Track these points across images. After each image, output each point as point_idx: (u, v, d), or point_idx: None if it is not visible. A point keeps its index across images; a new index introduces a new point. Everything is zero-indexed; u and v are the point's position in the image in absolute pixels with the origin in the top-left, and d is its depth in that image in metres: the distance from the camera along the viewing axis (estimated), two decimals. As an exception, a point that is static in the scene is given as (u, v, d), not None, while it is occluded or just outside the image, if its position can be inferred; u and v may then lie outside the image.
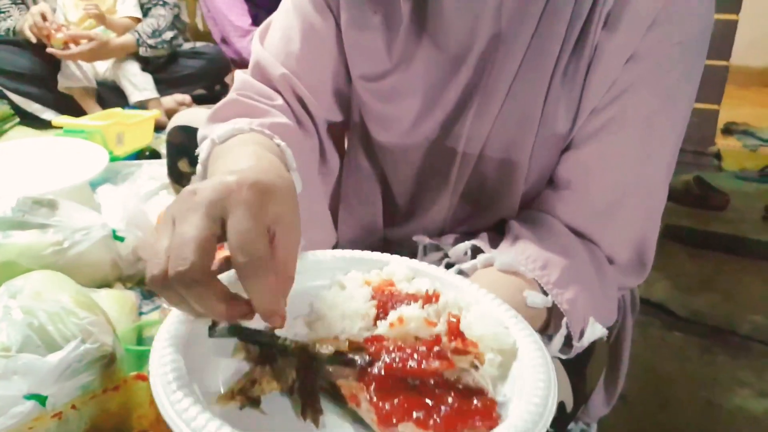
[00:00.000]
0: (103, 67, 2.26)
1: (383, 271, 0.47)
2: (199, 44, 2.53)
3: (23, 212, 0.96)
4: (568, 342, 0.53)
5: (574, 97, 0.56)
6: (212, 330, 0.38)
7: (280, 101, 0.58)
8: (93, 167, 1.25)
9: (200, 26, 3.15)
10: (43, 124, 2.10)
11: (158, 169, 1.41)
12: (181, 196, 0.36)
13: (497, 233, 0.61)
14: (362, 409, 0.35)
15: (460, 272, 0.57)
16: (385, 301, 0.43)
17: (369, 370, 0.36)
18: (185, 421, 0.31)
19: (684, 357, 1.14)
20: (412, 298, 0.43)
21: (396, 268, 0.47)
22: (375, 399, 0.34)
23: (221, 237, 0.35)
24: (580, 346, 0.53)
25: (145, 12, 2.31)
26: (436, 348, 0.37)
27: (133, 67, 2.22)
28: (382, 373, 0.35)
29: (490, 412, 0.34)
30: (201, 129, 0.55)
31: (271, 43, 0.62)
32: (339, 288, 0.45)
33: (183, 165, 0.81)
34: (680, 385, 1.05)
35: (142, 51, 2.21)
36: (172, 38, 2.29)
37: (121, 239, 1.06)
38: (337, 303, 0.42)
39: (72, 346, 0.59)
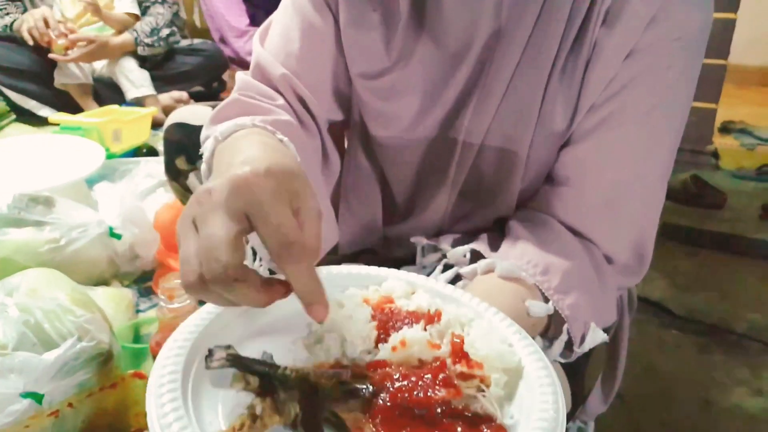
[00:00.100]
0: (99, 64, 2.25)
1: (381, 287, 0.46)
2: (196, 41, 2.52)
3: (19, 209, 0.96)
4: (568, 346, 0.53)
5: (572, 95, 0.56)
6: (209, 361, 0.37)
7: (281, 101, 0.58)
8: (89, 164, 1.25)
9: (198, 23, 3.15)
10: (40, 121, 2.09)
11: (155, 166, 1.40)
12: (197, 198, 0.35)
13: (496, 232, 0.61)
14: None
15: (459, 276, 0.57)
16: (386, 321, 0.42)
17: (374, 400, 0.35)
18: None
19: (681, 355, 1.14)
20: (413, 316, 0.42)
21: (394, 284, 0.46)
22: (381, 431, 0.33)
23: (248, 229, 0.35)
24: (580, 351, 0.53)
25: (144, 10, 2.30)
26: (441, 375, 0.36)
27: (130, 64, 2.22)
28: (388, 403, 0.35)
29: None
30: (204, 130, 0.55)
31: (271, 44, 0.62)
32: (337, 307, 0.44)
33: (180, 162, 0.80)
34: (677, 383, 1.06)
35: (140, 50, 2.21)
36: (169, 35, 2.29)
37: (118, 237, 1.05)
38: (336, 324, 0.41)
39: (68, 343, 0.59)
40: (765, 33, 3.00)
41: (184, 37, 2.50)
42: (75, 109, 2.09)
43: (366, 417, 0.34)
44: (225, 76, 2.60)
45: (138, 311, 1.01)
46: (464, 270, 0.56)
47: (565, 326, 0.51)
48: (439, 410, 0.34)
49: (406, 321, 0.41)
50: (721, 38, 2.01)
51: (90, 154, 1.31)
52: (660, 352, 1.15)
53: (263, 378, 0.37)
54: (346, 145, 0.71)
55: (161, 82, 2.28)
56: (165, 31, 2.27)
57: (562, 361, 0.54)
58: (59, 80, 2.15)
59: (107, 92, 2.24)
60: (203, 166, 0.51)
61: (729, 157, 2.16)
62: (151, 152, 1.76)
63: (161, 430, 0.32)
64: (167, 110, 2.10)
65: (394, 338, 0.39)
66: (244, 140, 0.45)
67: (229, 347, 0.38)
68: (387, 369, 0.37)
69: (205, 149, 0.51)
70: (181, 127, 0.76)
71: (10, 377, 0.56)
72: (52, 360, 0.58)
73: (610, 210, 0.57)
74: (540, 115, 0.57)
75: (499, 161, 0.60)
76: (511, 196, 0.61)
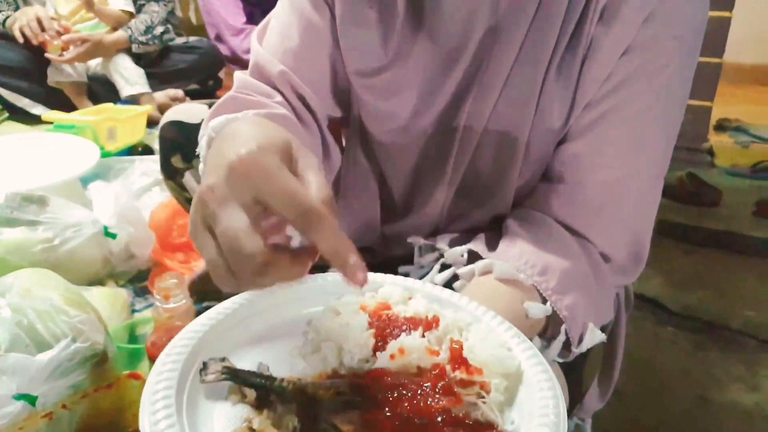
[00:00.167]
0: (94, 62, 2.24)
1: (378, 293, 0.46)
2: (192, 39, 2.50)
3: (12, 209, 0.95)
4: (566, 346, 0.53)
5: (569, 91, 0.56)
6: (203, 375, 0.37)
7: (279, 98, 0.58)
8: (83, 163, 1.24)
9: (194, 20, 3.13)
10: (33, 120, 2.08)
11: (151, 165, 1.40)
12: (201, 198, 0.35)
13: (493, 231, 0.61)
14: None
15: (456, 276, 0.57)
16: (383, 328, 0.41)
17: (373, 410, 0.34)
18: None
19: (677, 352, 1.14)
20: (411, 322, 0.42)
21: (391, 290, 0.46)
22: None
23: (261, 211, 0.34)
24: (578, 351, 0.53)
25: (139, 8, 2.29)
26: (440, 383, 0.36)
27: (124, 61, 2.20)
28: (387, 413, 0.34)
29: None
30: (201, 130, 0.55)
31: (269, 41, 0.62)
32: (333, 315, 0.43)
33: (176, 161, 0.80)
34: (673, 380, 1.06)
35: (134, 48, 2.20)
36: (164, 33, 2.27)
37: (113, 236, 1.05)
38: (332, 333, 0.40)
39: (62, 344, 0.59)
40: (760, 31, 3.01)
41: (179, 34, 2.49)
42: (69, 107, 2.08)
43: (365, 428, 0.34)
44: (221, 74, 2.59)
45: (134, 311, 1.01)
46: (462, 270, 0.56)
47: (563, 327, 0.51)
48: (439, 419, 0.34)
49: (404, 328, 0.41)
50: (716, 36, 2.01)
51: (84, 153, 1.30)
52: (656, 349, 1.15)
53: (260, 390, 0.36)
54: (344, 143, 0.71)
55: (156, 80, 2.27)
56: (159, 29, 2.25)
57: (560, 360, 0.54)
58: (53, 78, 2.14)
59: (102, 90, 2.22)
60: (201, 165, 0.51)
61: (724, 155, 2.17)
62: (147, 151, 1.75)
63: None
64: (163, 108, 2.09)
65: (392, 346, 0.38)
66: (234, 129, 0.44)
67: (223, 359, 0.37)
68: (386, 378, 0.36)
69: (201, 147, 0.50)
70: (176, 125, 0.75)
71: (2, 379, 0.55)
72: (45, 361, 0.57)
73: (606, 207, 0.57)
74: (537, 112, 0.56)
75: (496, 158, 0.60)
76: (507, 194, 0.61)
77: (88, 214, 1.02)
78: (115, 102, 2.07)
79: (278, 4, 0.63)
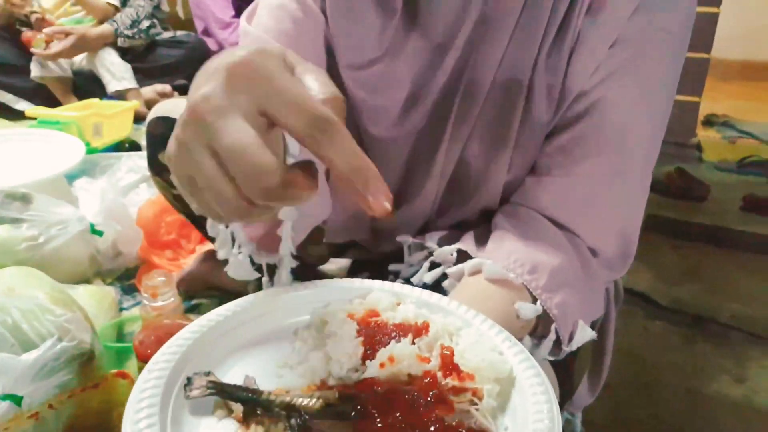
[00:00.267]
0: (79, 57, 2.21)
1: (366, 299, 0.45)
2: (179, 33, 2.48)
3: (-4, 206, 0.93)
4: (556, 344, 0.53)
5: (557, 84, 0.55)
6: (188, 390, 0.35)
7: None
8: (69, 159, 1.22)
9: (181, 15, 3.10)
10: (17, 115, 2.04)
11: (138, 161, 1.38)
12: (194, 111, 0.29)
13: (481, 229, 0.60)
14: None
15: (445, 275, 0.57)
16: (372, 336, 0.40)
17: (364, 421, 0.33)
18: None
19: (666, 345, 1.15)
20: (400, 328, 0.41)
21: (380, 296, 0.45)
22: None
23: (268, 124, 0.30)
24: (568, 349, 0.53)
25: (124, 2, 2.26)
26: (432, 392, 0.35)
27: (111, 56, 2.17)
28: (379, 424, 0.33)
29: None
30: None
31: (262, 22, 0.59)
32: (321, 324, 0.42)
33: (163, 157, 0.78)
34: (663, 373, 1.07)
35: (120, 41, 2.17)
36: (149, 27, 2.25)
37: (100, 233, 1.03)
38: (320, 343, 0.40)
39: (48, 344, 0.58)
40: (747, 27, 3.04)
41: (166, 29, 2.46)
42: (54, 102, 2.05)
43: None
44: (208, 69, 2.56)
45: (121, 309, 0.99)
46: (451, 270, 0.55)
47: (554, 326, 0.51)
48: (432, 429, 0.33)
49: (393, 335, 0.40)
50: (704, 32, 2.03)
51: (69, 149, 1.28)
52: (646, 342, 1.16)
53: (247, 405, 0.35)
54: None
55: (143, 75, 2.25)
56: (146, 23, 2.23)
57: (551, 359, 0.54)
58: (36, 72, 2.11)
59: (87, 85, 2.19)
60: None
61: (712, 150, 2.19)
62: (134, 147, 1.73)
63: None
64: (150, 104, 2.07)
65: (382, 354, 0.37)
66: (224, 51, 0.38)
67: (208, 373, 0.36)
68: (377, 388, 0.35)
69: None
70: (164, 120, 0.74)
71: (-13, 379, 0.54)
72: (31, 361, 0.56)
73: (593, 200, 0.57)
74: (525, 105, 0.56)
75: (486, 151, 0.60)
76: (496, 187, 0.61)
77: (74, 211, 1.00)
78: (101, 97, 2.04)
79: None
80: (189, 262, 1.09)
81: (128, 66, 2.19)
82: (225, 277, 1.05)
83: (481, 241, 0.57)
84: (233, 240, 0.52)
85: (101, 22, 2.17)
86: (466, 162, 0.61)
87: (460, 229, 0.63)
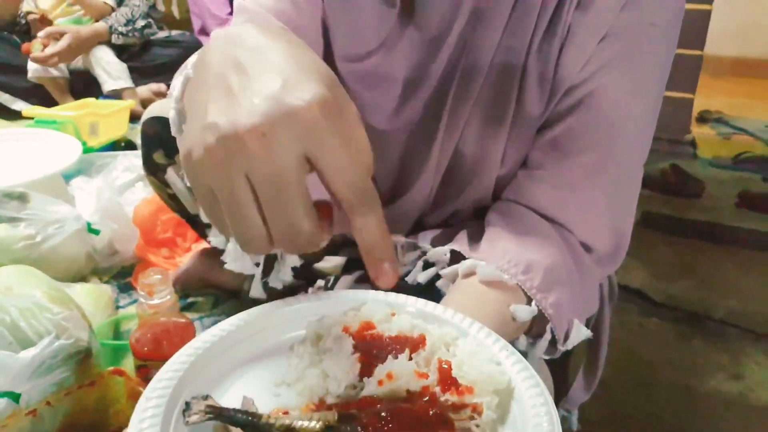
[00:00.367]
0: (75, 56, 2.20)
1: (360, 311, 0.44)
2: (174, 32, 2.47)
3: (-8, 205, 0.94)
4: (552, 343, 0.53)
5: (548, 78, 0.56)
6: (186, 415, 0.35)
7: None
8: (65, 159, 1.22)
9: (177, 14, 3.09)
10: (13, 115, 2.04)
11: (134, 160, 1.38)
12: (241, 140, 0.26)
13: (474, 227, 0.60)
14: None
15: (439, 276, 0.57)
16: (369, 350, 0.39)
17: None
18: None
19: (661, 342, 1.16)
20: (396, 341, 0.40)
21: (374, 307, 0.44)
22: None
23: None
24: (564, 348, 0.53)
25: (120, 2, 2.26)
26: (432, 411, 0.34)
27: (107, 56, 2.17)
28: None
29: None
30: (179, 71, 0.48)
31: (259, 2, 0.58)
32: (315, 338, 0.41)
33: (158, 156, 0.79)
34: (658, 370, 1.07)
35: (114, 39, 2.17)
36: (144, 26, 2.25)
37: (96, 232, 1.03)
38: (316, 359, 0.39)
39: (46, 341, 0.58)
40: (739, 24, 3.05)
41: (161, 29, 2.46)
42: (50, 102, 2.05)
43: None
44: (204, 69, 2.56)
45: (118, 307, 1.00)
46: (445, 271, 0.55)
47: (549, 325, 0.51)
48: None
49: (390, 348, 0.39)
50: (696, 29, 2.03)
51: (66, 148, 1.28)
52: (641, 339, 1.17)
53: (246, 428, 0.35)
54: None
55: (139, 75, 2.25)
56: (141, 23, 2.23)
57: (546, 358, 0.54)
58: (33, 73, 2.10)
59: (83, 85, 2.19)
60: (171, 112, 0.42)
61: (706, 147, 2.20)
62: (130, 146, 1.73)
63: None
64: (146, 103, 2.07)
65: (380, 371, 0.37)
66: (263, 32, 0.32)
67: (207, 397, 0.36)
68: (377, 407, 0.35)
69: (174, 88, 0.42)
70: (159, 120, 0.74)
71: (-16, 377, 0.55)
72: (29, 359, 0.56)
73: (585, 193, 0.57)
74: (517, 98, 0.57)
75: (480, 144, 0.60)
76: (489, 180, 0.61)
77: (70, 210, 1.00)
78: (97, 97, 2.04)
79: None
80: (185, 261, 1.09)
81: (124, 65, 2.19)
82: (221, 275, 1.06)
83: (475, 239, 0.57)
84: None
85: (98, 21, 2.17)
86: (461, 154, 0.61)
87: (453, 223, 0.63)
